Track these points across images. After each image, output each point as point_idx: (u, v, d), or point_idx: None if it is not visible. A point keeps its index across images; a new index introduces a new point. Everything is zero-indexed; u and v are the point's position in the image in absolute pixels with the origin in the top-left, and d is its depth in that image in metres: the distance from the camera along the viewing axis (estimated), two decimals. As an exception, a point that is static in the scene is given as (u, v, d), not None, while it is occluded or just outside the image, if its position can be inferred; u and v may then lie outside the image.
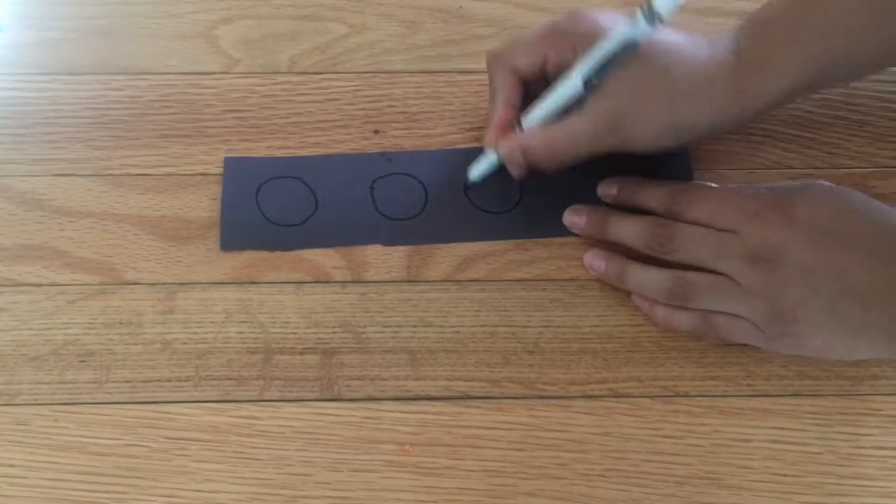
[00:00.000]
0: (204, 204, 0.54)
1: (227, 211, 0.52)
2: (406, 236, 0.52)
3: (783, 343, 0.45)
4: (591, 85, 0.46)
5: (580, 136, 0.47)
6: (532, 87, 0.50)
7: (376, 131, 0.55)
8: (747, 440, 0.48)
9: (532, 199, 0.53)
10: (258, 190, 0.53)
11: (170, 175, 0.54)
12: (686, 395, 0.49)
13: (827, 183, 0.47)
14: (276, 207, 0.52)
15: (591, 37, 0.46)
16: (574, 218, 0.51)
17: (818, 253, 0.42)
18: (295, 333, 0.51)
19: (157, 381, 0.49)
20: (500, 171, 0.51)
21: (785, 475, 0.47)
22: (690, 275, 0.46)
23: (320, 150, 0.55)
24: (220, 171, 0.54)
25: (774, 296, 0.43)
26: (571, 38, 0.47)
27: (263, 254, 0.52)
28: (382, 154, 0.54)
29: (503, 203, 0.53)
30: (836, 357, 0.46)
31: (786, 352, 0.47)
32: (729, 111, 0.45)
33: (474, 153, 0.52)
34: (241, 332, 0.51)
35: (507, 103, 0.49)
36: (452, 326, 0.51)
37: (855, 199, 0.44)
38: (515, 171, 0.49)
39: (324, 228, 0.52)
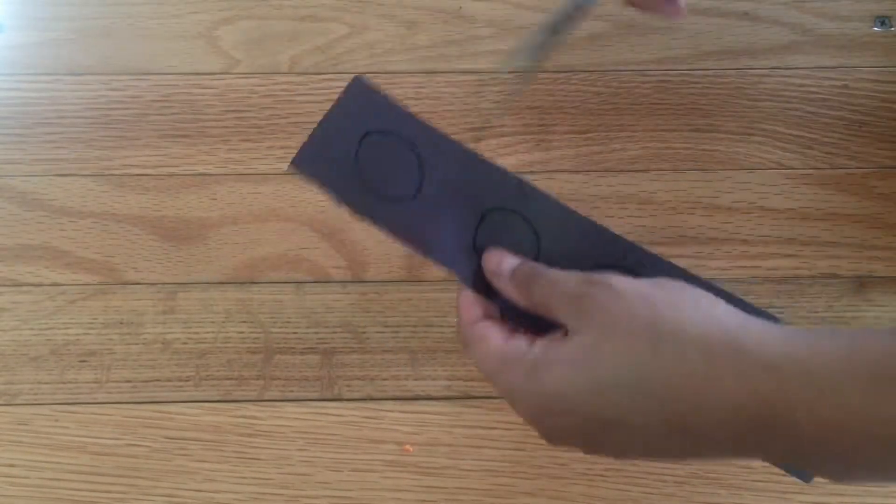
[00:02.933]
0: (205, 204, 0.54)
1: (323, 133, 0.41)
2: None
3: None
4: None
5: None
6: None
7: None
8: (747, 440, 0.48)
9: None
10: (366, 134, 0.42)
11: (170, 175, 0.55)
12: (686, 395, 0.49)
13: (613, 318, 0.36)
14: (372, 161, 0.42)
15: None
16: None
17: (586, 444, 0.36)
18: (295, 333, 0.51)
19: (158, 380, 0.50)
20: None
21: (784, 475, 0.47)
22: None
23: (320, 151, 0.55)
24: (221, 171, 0.54)
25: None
26: None
27: (264, 253, 0.52)
28: (519, 181, 0.41)
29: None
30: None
31: None
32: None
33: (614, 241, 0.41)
34: (242, 332, 0.51)
35: None
36: (452, 326, 0.51)
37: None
38: None
39: (406, 219, 0.41)
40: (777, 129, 0.55)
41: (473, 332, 0.38)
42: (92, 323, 0.51)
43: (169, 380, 0.50)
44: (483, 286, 0.40)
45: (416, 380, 0.50)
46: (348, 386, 0.49)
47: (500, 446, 0.48)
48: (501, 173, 0.41)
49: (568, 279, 0.37)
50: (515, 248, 0.40)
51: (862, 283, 0.52)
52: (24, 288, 0.52)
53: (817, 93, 0.56)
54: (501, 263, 0.39)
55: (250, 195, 0.54)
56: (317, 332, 0.51)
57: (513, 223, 0.41)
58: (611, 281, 0.36)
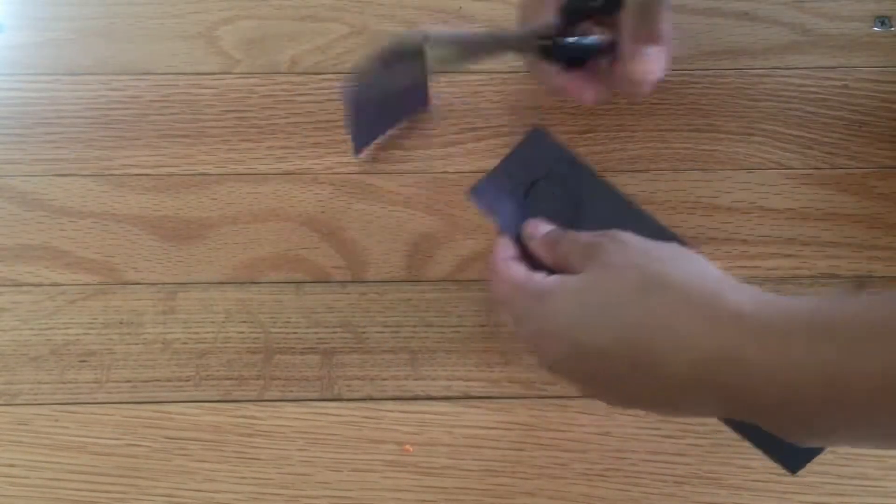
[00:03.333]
0: (205, 204, 0.54)
1: (501, 172, 0.49)
2: None
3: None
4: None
5: None
6: None
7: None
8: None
9: None
10: (536, 180, 0.49)
11: (170, 175, 0.55)
12: (686, 395, 0.49)
13: (621, 258, 0.40)
14: (538, 201, 0.48)
15: None
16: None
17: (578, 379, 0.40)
18: (295, 333, 0.51)
19: (158, 380, 0.50)
20: None
21: (784, 475, 0.47)
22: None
23: (320, 151, 0.55)
24: (221, 171, 0.54)
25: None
26: None
27: (264, 253, 0.52)
28: (673, 235, 0.46)
29: None
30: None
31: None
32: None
33: None
34: (242, 332, 0.51)
35: None
36: (452, 326, 0.51)
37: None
38: None
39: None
40: (777, 129, 0.55)
41: (501, 265, 0.43)
42: (92, 323, 0.51)
43: (169, 380, 0.50)
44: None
45: (416, 380, 0.50)
46: (348, 386, 0.49)
47: (500, 446, 0.48)
48: (653, 223, 0.46)
49: (585, 235, 0.42)
50: None
51: (862, 283, 0.52)
52: (24, 288, 0.52)
53: (817, 93, 0.56)
54: (537, 227, 0.45)
55: (250, 195, 0.54)
56: (317, 332, 0.51)
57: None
58: (618, 233, 0.41)
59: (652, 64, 0.45)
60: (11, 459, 0.48)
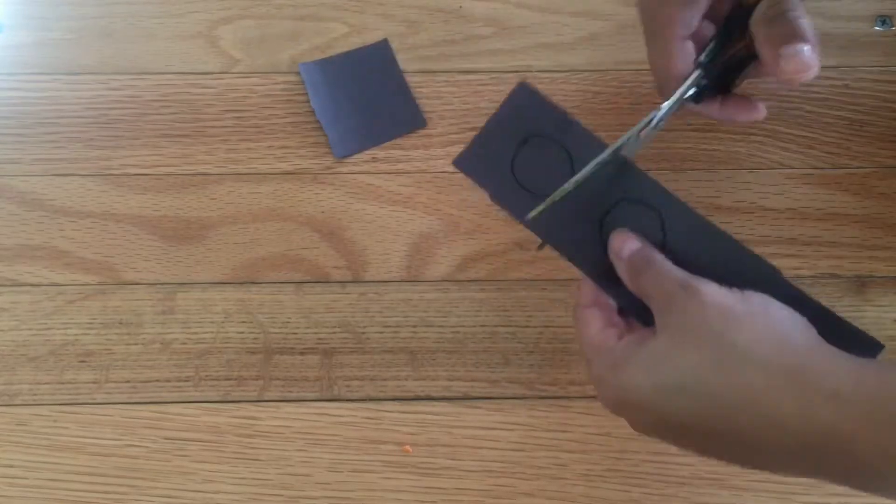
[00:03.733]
0: (204, 204, 0.54)
1: (485, 136, 0.45)
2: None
3: None
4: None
5: None
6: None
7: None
8: (748, 440, 0.48)
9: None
10: (526, 139, 0.45)
11: (169, 175, 0.54)
12: (686, 396, 0.49)
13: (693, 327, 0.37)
14: (528, 162, 0.45)
15: None
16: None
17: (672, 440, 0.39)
18: (295, 333, 0.50)
19: (157, 381, 0.49)
20: None
21: (784, 476, 0.47)
22: None
23: (320, 151, 0.55)
24: (220, 171, 0.54)
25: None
26: None
27: (263, 253, 0.52)
28: (645, 175, 0.43)
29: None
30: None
31: None
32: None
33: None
34: (241, 332, 0.50)
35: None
36: (452, 326, 0.51)
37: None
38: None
39: (554, 222, 0.43)
40: (777, 129, 0.55)
41: (579, 314, 0.42)
42: (91, 323, 0.51)
43: (168, 380, 0.49)
44: (604, 273, 0.42)
45: (416, 380, 0.49)
46: (348, 386, 0.49)
47: (499, 447, 0.48)
48: (637, 171, 0.43)
49: (670, 276, 0.39)
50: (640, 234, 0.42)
51: (863, 283, 0.52)
52: (23, 288, 0.52)
53: (818, 92, 0.56)
54: (624, 244, 0.41)
55: (250, 195, 0.54)
56: (316, 332, 0.50)
57: (640, 213, 0.43)
58: (701, 288, 0.37)
59: (797, 63, 0.41)
60: (10, 460, 0.48)
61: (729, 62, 0.46)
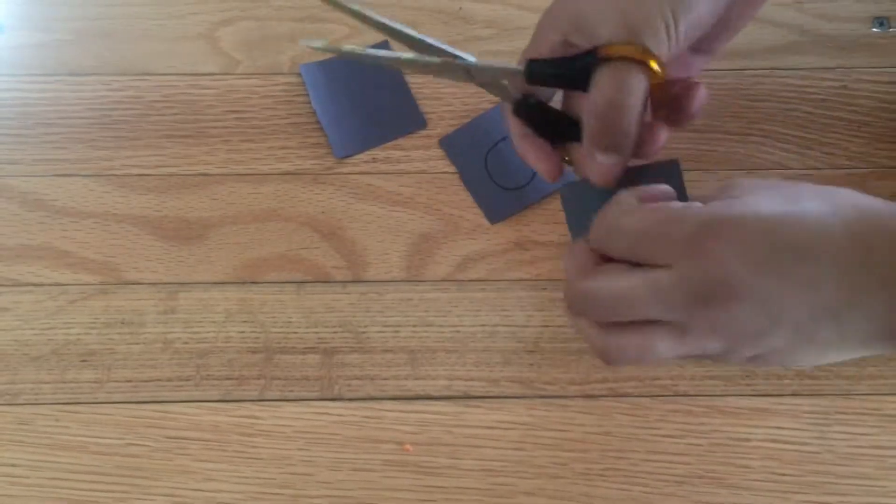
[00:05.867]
0: (205, 204, 0.54)
1: (469, 128, 0.55)
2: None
3: (739, 363, 0.39)
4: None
5: None
6: None
7: (377, 132, 0.56)
8: (746, 439, 0.48)
9: None
10: (502, 139, 0.55)
11: (171, 175, 0.55)
12: (685, 395, 0.49)
13: (756, 183, 0.39)
14: (500, 157, 0.55)
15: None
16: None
17: (772, 280, 0.35)
18: (296, 333, 0.51)
19: (159, 380, 0.50)
20: None
21: (784, 474, 0.47)
22: (636, 337, 0.38)
23: (321, 151, 0.55)
24: (221, 171, 0.55)
25: (732, 333, 0.36)
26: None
27: (264, 253, 0.52)
28: None
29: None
30: (798, 366, 0.44)
31: (742, 366, 0.43)
32: None
33: None
34: (242, 332, 0.51)
35: None
36: (452, 326, 0.51)
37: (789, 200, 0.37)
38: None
39: (515, 197, 0.54)
40: (776, 130, 0.55)
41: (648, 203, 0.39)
42: (93, 323, 0.51)
43: (170, 379, 0.50)
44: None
45: (416, 380, 0.50)
46: (348, 386, 0.50)
47: (500, 446, 0.48)
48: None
49: (684, 224, 0.37)
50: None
51: (861, 283, 0.52)
52: (26, 288, 0.52)
53: (816, 93, 0.56)
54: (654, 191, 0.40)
55: (251, 195, 0.54)
56: (317, 332, 0.51)
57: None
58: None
59: (604, 172, 0.40)
60: (13, 459, 0.48)
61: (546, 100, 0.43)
